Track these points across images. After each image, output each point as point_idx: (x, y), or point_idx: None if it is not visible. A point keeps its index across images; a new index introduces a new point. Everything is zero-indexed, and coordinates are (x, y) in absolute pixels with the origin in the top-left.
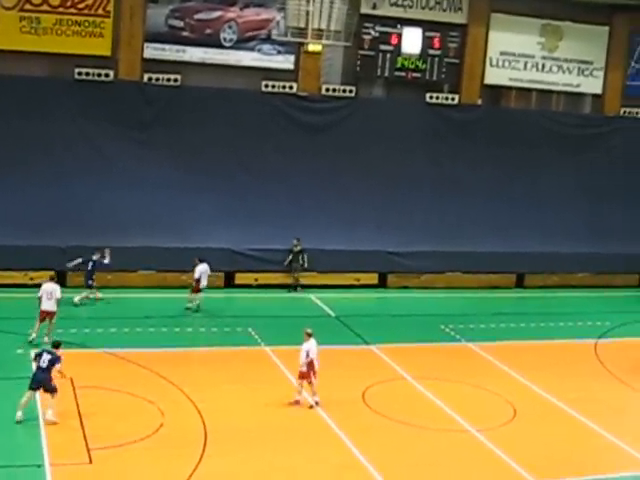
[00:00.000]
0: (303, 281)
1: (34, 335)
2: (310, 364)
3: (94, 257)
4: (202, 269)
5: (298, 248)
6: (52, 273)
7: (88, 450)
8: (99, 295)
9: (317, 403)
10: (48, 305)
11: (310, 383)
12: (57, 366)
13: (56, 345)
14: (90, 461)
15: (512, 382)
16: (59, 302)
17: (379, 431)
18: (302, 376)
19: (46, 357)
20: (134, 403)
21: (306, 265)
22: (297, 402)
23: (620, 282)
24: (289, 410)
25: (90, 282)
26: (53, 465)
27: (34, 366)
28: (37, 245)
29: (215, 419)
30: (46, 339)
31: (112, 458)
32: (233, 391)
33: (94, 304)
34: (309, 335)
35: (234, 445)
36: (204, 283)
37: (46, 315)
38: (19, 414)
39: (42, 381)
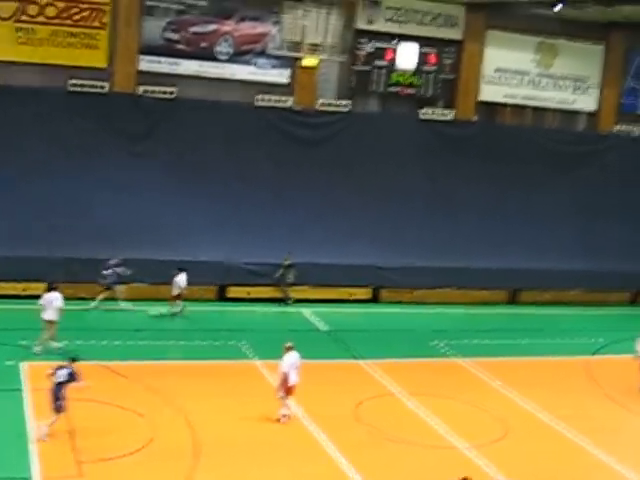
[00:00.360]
0: (296, 295)
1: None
2: (284, 377)
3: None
4: (179, 280)
5: (287, 262)
6: (52, 283)
7: (78, 463)
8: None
9: (284, 416)
10: (47, 314)
11: (282, 396)
12: (75, 383)
13: (74, 359)
14: (80, 475)
15: (504, 399)
16: (60, 311)
17: (369, 447)
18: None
19: (63, 372)
20: (125, 416)
21: (293, 280)
22: (287, 416)
23: (614, 299)
24: (279, 425)
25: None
26: (43, 479)
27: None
28: (30, 256)
29: (206, 433)
30: (37, 348)
31: (102, 472)
32: (224, 405)
33: (85, 317)
34: (288, 349)
35: (224, 459)
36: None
37: (46, 324)
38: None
39: (53, 395)
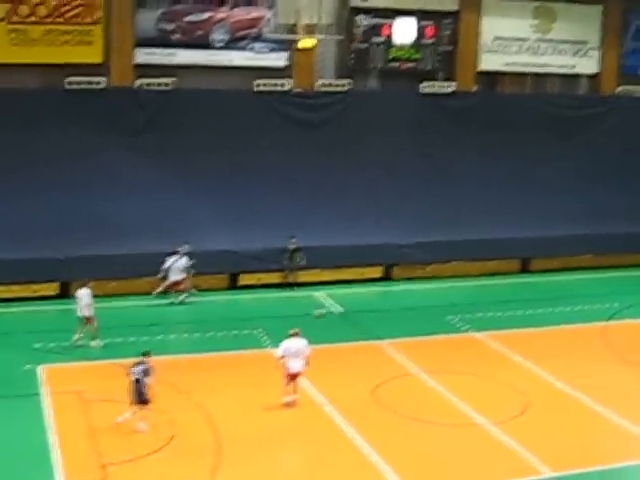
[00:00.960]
0: (307, 278)
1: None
2: (281, 364)
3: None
4: (171, 261)
5: (294, 246)
6: (85, 280)
7: (102, 467)
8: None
9: (287, 404)
10: (81, 311)
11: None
12: (146, 380)
13: (145, 354)
14: (105, 477)
15: (522, 371)
16: (91, 307)
17: (391, 429)
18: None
19: (138, 369)
20: (144, 415)
21: (302, 263)
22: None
23: (625, 262)
24: (300, 412)
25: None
26: None
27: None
28: (36, 257)
29: (226, 426)
30: (93, 343)
31: (127, 473)
32: (243, 396)
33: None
34: (292, 335)
35: (247, 452)
36: (172, 278)
37: (85, 320)
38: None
39: (137, 394)
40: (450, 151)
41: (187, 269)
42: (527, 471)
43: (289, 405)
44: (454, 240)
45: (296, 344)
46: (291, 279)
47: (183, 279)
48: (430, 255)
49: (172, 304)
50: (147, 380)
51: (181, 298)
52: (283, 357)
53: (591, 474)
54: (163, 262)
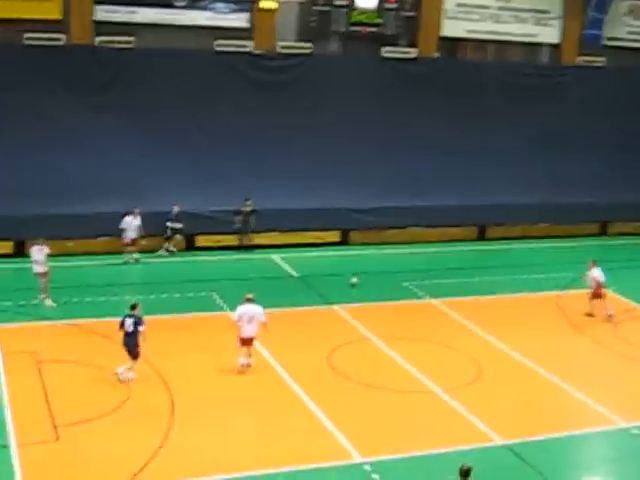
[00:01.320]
0: (265, 241)
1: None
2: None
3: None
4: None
5: (249, 208)
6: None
7: (54, 427)
8: None
9: (241, 366)
10: (36, 267)
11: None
12: (140, 328)
13: (133, 307)
14: (57, 438)
15: (476, 339)
16: (43, 264)
17: (345, 395)
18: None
19: (129, 321)
20: (99, 376)
21: (253, 226)
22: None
23: (582, 231)
24: (255, 376)
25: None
26: (19, 445)
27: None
28: None
29: (182, 389)
30: (41, 297)
31: (79, 434)
32: (199, 359)
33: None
34: (247, 300)
35: (200, 415)
36: (129, 235)
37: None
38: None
39: (128, 345)
40: (411, 117)
41: (140, 228)
42: (479, 438)
43: (244, 367)
44: (412, 206)
45: (251, 309)
46: (246, 242)
47: (138, 238)
48: (388, 220)
49: (127, 263)
50: (140, 329)
51: (135, 257)
52: (238, 322)
53: (541, 442)
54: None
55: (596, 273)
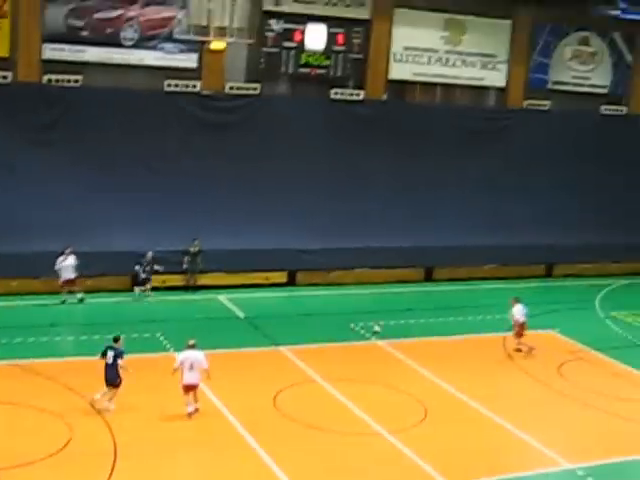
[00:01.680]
0: (212, 282)
1: None
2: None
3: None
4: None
5: (197, 249)
6: None
7: None
8: None
9: (189, 414)
10: None
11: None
12: (119, 361)
13: (116, 339)
14: None
15: (423, 380)
16: None
17: (290, 437)
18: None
19: (110, 354)
20: (40, 418)
21: (201, 266)
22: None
23: (529, 273)
24: (200, 419)
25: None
26: None
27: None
28: None
29: (125, 432)
30: None
31: (19, 478)
32: (143, 401)
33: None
34: (189, 346)
35: (144, 460)
36: (64, 275)
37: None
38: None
39: (109, 376)
40: (358, 158)
41: (75, 268)
42: None
43: (191, 414)
44: (359, 247)
45: (192, 356)
46: (192, 282)
47: (76, 278)
48: (335, 261)
49: (65, 303)
50: (120, 362)
51: (79, 297)
52: (178, 369)
53: None
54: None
55: (516, 310)
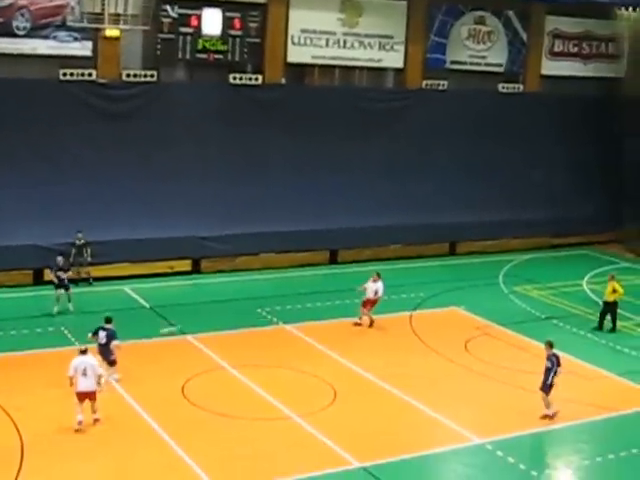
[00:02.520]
0: (114, 273)
1: None
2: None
3: None
4: None
5: (82, 241)
6: None
7: None
8: None
9: (79, 423)
10: None
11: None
12: (114, 342)
13: (108, 320)
14: None
15: (330, 362)
16: None
17: (200, 426)
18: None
19: (102, 334)
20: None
21: (89, 259)
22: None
23: (431, 252)
24: (108, 411)
25: None
26: None
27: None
28: None
29: (32, 428)
30: None
31: None
32: (50, 396)
33: None
34: (81, 352)
35: (53, 456)
36: None
37: None
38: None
39: (104, 354)
40: (259, 143)
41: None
42: (336, 462)
43: (81, 425)
44: (262, 232)
45: (85, 361)
46: (83, 274)
47: None
48: (238, 247)
49: None
50: (114, 342)
51: None
52: (73, 376)
53: (398, 462)
54: None
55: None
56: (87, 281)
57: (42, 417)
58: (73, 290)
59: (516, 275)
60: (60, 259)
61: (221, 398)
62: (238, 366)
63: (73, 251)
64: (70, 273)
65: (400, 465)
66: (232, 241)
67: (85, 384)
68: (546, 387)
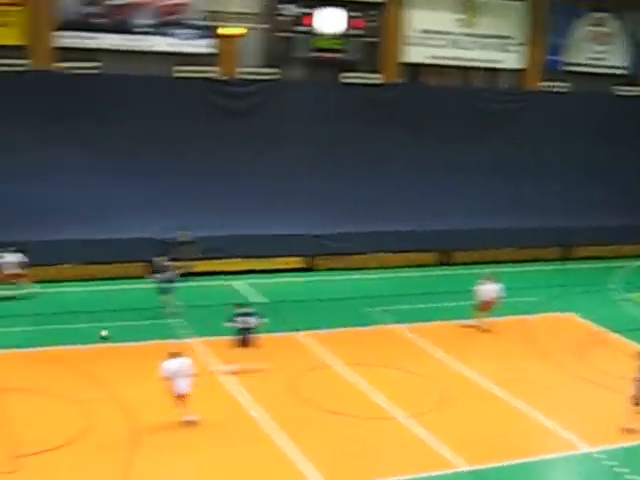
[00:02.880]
0: (229, 269)
1: None
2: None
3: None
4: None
5: (186, 239)
6: None
7: (13, 458)
8: None
9: (186, 423)
10: None
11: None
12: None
13: (240, 306)
14: (15, 470)
15: (440, 364)
16: None
17: (310, 423)
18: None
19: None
20: (59, 404)
21: (195, 255)
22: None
23: (546, 256)
24: (218, 406)
25: None
26: None
27: None
28: None
29: (142, 418)
30: None
31: (39, 465)
32: (160, 388)
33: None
34: (171, 355)
35: (162, 446)
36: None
37: None
38: None
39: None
40: (376, 142)
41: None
42: (443, 465)
43: (190, 424)
44: (377, 231)
45: (177, 364)
46: (187, 270)
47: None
48: (352, 246)
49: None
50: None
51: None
52: (171, 378)
53: (506, 468)
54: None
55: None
56: (191, 276)
57: (152, 407)
58: (211, 282)
59: (628, 281)
60: (157, 260)
61: (330, 395)
62: (347, 364)
63: (176, 248)
64: (168, 274)
65: (509, 470)
66: (345, 239)
67: (183, 385)
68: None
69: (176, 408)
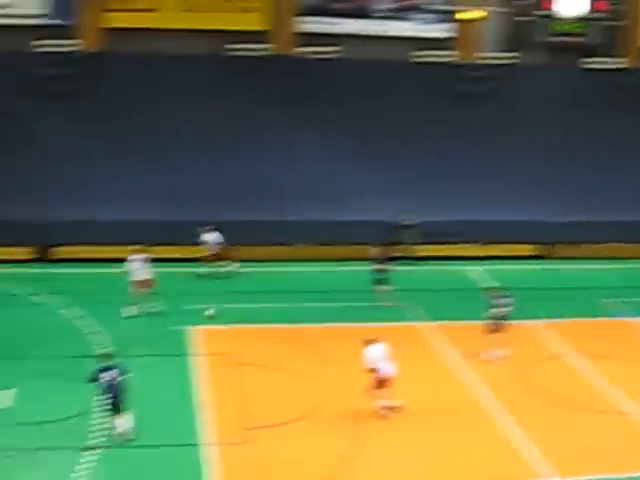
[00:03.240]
0: (462, 254)
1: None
2: (375, 375)
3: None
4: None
5: (406, 222)
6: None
7: (245, 430)
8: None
9: (384, 408)
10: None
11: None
12: None
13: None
14: (246, 441)
15: None
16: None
17: (538, 412)
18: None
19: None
20: (293, 381)
21: (414, 240)
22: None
23: None
24: (446, 390)
25: None
26: (209, 445)
27: None
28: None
29: (316, 398)
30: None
31: (270, 438)
32: (352, 371)
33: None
34: (368, 342)
35: (387, 426)
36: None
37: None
38: None
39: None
40: (612, 128)
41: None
42: None
43: (387, 412)
44: (610, 220)
45: (377, 350)
46: (410, 252)
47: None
48: (586, 234)
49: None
50: None
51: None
52: (375, 365)
53: None
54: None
55: None
56: (413, 260)
57: (336, 389)
58: (444, 267)
59: None
60: (374, 250)
61: (561, 387)
62: (579, 355)
63: (397, 231)
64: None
65: None
66: (579, 228)
67: (389, 369)
68: None
69: (379, 393)
